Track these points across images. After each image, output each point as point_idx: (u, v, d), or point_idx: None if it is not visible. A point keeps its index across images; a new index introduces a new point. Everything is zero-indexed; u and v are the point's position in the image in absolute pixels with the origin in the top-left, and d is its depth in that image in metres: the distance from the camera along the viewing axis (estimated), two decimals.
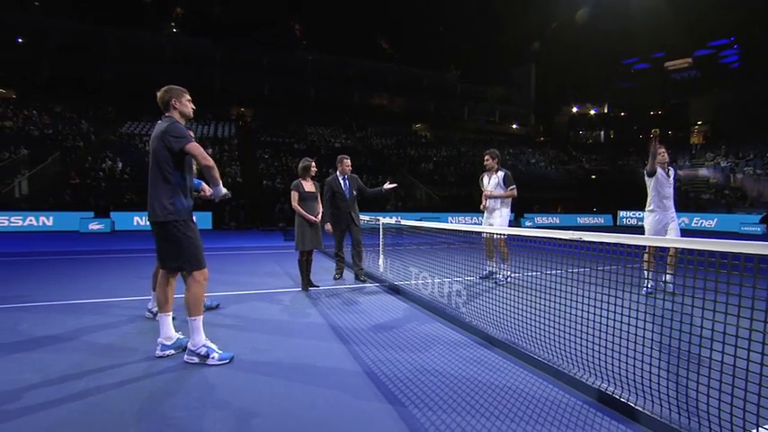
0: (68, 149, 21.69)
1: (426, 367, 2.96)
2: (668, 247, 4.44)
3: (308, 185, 5.49)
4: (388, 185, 6.12)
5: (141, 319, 4.10)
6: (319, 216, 5.52)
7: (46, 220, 15.90)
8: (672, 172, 5.39)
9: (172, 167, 2.96)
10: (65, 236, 14.14)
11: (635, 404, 2.26)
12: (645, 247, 4.33)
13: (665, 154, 5.32)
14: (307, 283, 5.61)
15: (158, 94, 3.11)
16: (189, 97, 3.20)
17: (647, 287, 4.84)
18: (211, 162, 2.95)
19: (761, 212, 19.41)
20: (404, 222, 6.01)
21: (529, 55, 48.27)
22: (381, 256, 6.37)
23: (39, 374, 2.75)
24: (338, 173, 6.12)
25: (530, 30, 46.31)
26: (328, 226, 5.94)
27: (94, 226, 15.70)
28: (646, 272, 4.95)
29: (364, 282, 6.15)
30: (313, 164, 5.60)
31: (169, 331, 3.15)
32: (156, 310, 3.86)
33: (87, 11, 34.79)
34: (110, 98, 30.01)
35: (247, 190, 21.17)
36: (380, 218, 6.60)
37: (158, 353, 3.09)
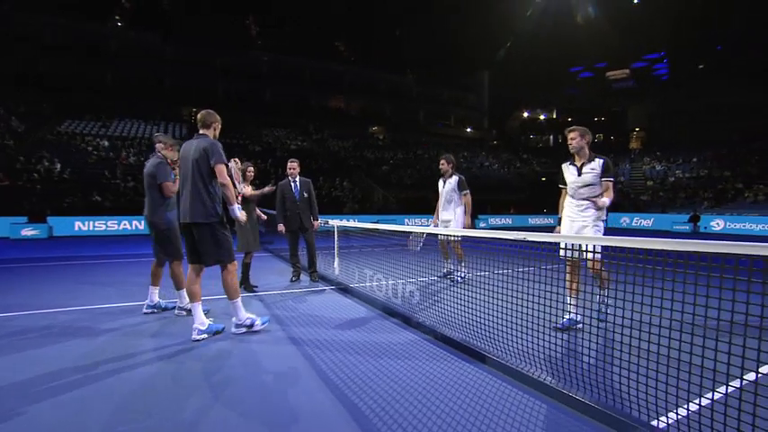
0: None
1: (379, 367, 3.01)
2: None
3: (248, 189, 5.60)
4: (316, 224, 6.41)
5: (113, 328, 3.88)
6: (260, 218, 5.82)
7: None
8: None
9: (212, 178, 3.58)
10: None
11: (569, 392, 2.42)
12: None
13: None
14: (248, 283, 5.70)
15: (203, 113, 3.77)
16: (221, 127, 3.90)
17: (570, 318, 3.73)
18: (227, 182, 3.57)
19: (689, 212, 21.14)
20: (356, 225, 6.08)
21: (483, 62, 49.86)
22: (336, 259, 6.38)
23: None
24: (288, 177, 6.27)
25: (484, 37, 47.85)
26: (281, 227, 6.20)
27: (28, 232, 14.53)
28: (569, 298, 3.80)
29: (317, 281, 6.29)
30: (251, 168, 5.73)
31: (203, 317, 3.67)
32: (163, 304, 4.57)
33: None
34: (46, 94, 27.94)
35: None
36: (335, 220, 6.59)
37: (195, 336, 3.59)
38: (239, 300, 3.75)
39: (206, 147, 3.55)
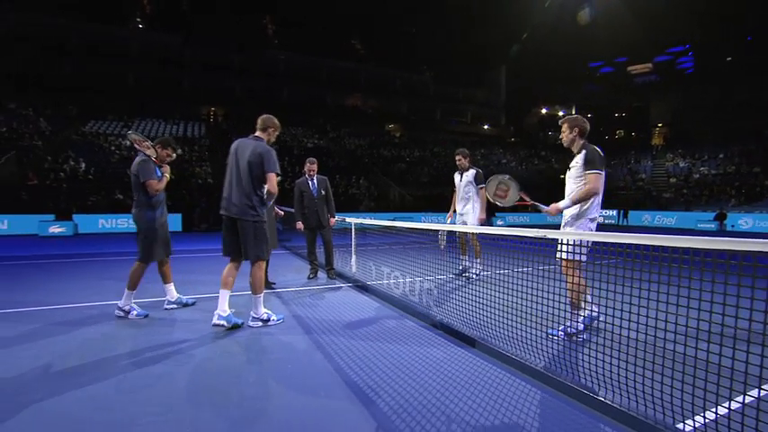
0: (25, 149, 20.64)
1: (397, 364, 3.00)
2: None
3: None
4: (332, 220, 6.44)
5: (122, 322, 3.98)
6: (280, 213, 5.88)
7: (1, 224, 15.09)
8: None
9: (262, 182, 3.78)
10: (22, 240, 13.47)
11: (597, 395, 2.37)
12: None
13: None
14: (266, 281, 5.69)
15: (264, 117, 3.97)
16: (278, 133, 4.11)
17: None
18: (275, 191, 3.81)
19: (715, 210, 20.51)
20: (373, 222, 6.09)
21: (500, 57, 49.29)
22: (353, 256, 6.39)
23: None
24: (306, 175, 6.32)
25: (501, 33, 47.27)
26: (299, 224, 6.28)
27: (55, 229, 14.99)
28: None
29: (334, 278, 6.33)
30: None
31: (226, 306, 3.81)
32: (185, 299, 4.71)
33: (45, 1, 33.09)
34: (71, 95, 28.75)
35: (218, 191, 20.70)
36: (351, 218, 6.61)
37: (215, 321, 3.76)
38: (262, 296, 3.93)
39: (263, 152, 3.73)
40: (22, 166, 19.11)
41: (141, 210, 4.23)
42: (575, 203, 3.51)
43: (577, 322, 3.36)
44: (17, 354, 3.21)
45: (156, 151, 4.36)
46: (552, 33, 43.90)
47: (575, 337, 3.36)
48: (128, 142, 23.54)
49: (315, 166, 6.31)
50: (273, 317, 4.00)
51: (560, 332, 3.38)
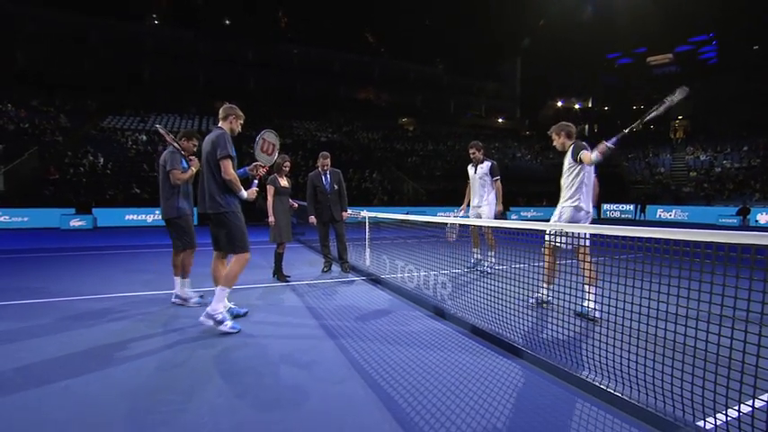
0: (46, 144, 21.13)
1: (411, 357, 3.00)
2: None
3: (283, 181, 5.72)
4: (345, 214, 6.37)
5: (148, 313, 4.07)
6: (294, 205, 5.88)
7: (23, 218, 15.52)
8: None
9: (218, 170, 3.57)
10: (45, 233, 13.83)
11: (614, 390, 2.34)
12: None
13: None
14: (281, 273, 5.82)
15: (224, 107, 3.80)
16: (242, 122, 3.90)
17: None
18: (230, 178, 3.56)
19: (738, 205, 19.97)
20: (387, 216, 6.09)
21: (515, 49, 48.56)
22: (367, 250, 6.41)
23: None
24: (319, 168, 6.31)
25: (516, 24, 46.53)
26: (312, 218, 6.29)
27: (76, 222, 15.37)
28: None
29: (348, 272, 6.34)
30: (288, 161, 5.80)
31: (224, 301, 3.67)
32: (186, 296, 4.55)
33: None
34: (90, 91, 29.30)
35: None
36: (365, 212, 6.61)
37: (202, 318, 3.59)
38: (226, 292, 3.64)
39: (214, 140, 3.60)
40: (44, 162, 19.59)
41: (169, 201, 4.34)
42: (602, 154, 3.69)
43: (594, 302, 3.61)
44: (45, 341, 3.31)
45: (180, 144, 4.44)
46: (569, 24, 43.02)
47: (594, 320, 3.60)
48: (144, 137, 23.94)
49: (328, 161, 6.31)
50: (229, 323, 3.57)
51: (585, 308, 3.59)
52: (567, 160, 4.05)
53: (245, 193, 3.72)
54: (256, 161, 4.00)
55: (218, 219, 3.67)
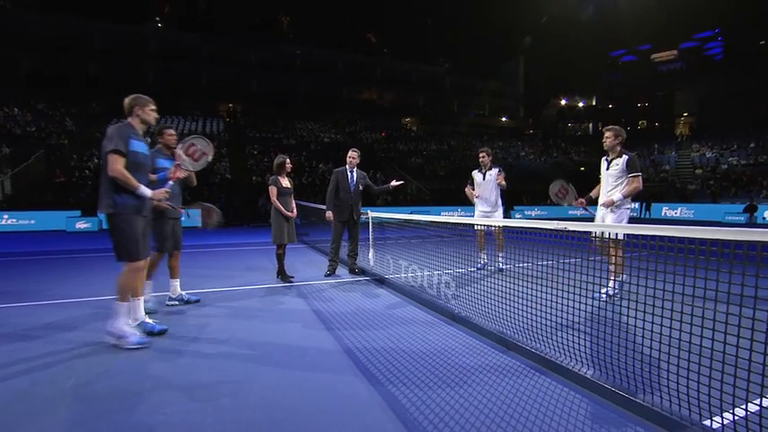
0: (52, 147, 21.29)
1: (415, 356, 3.00)
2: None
3: (285, 181, 5.63)
4: (395, 183, 6.17)
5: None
6: (294, 211, 5.69)
7: (30, 220, 15.64)
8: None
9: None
10: (52, 235, 13.94)
11: (619, 390, 2.32)
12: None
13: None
14: (284, 274, 5.80)
15: (125, 100, 3.34)
16: (153, 107, 3.43)
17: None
18: (115, 174, 3.12)
19: (745, 202, 19.80)
20: (392, 216, 6.09)
21: (518, 48, 48.42)
22: (371, 250, 6.40)
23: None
24: (347, 165, 6.16)
25: (519, 22, 46.41)
26: (329, 214, 6.06)
27: (82, 225, 15.47)
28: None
29: (357, 274, 6.27)
30: (288, 160, 5.72)
31: (137, 313, 3.45)
32: (186, 296, 4.56)
33: (68, 3, 34.00)
34: (95, 94, 29.50)
35: (237, 186, 21.01)
36: (369, 212, 6.60)
37: (111, 338, 3.29)
38: (126, 306, 3.29)
39: (107, 133, 3.19)
40: (50, 165, 19.74)
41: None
42: (625, 198, 4.45)
43: (614, 288, 4.13)
44: (58, 340, 3.34)
45: (159, 141, 4.46)
46: (573, 21, 42.84)
47: (614, 298, 4.15)
48: (148, 139, 24.00)
49: (357, 156, 6.13)
50: (133, 338, 3.22)
51: (603, 294, 4.00)
52: (618, 168, 4.46)
53: (146, 191, 3.27)
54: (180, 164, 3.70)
55: (108, 220, 3.28)
